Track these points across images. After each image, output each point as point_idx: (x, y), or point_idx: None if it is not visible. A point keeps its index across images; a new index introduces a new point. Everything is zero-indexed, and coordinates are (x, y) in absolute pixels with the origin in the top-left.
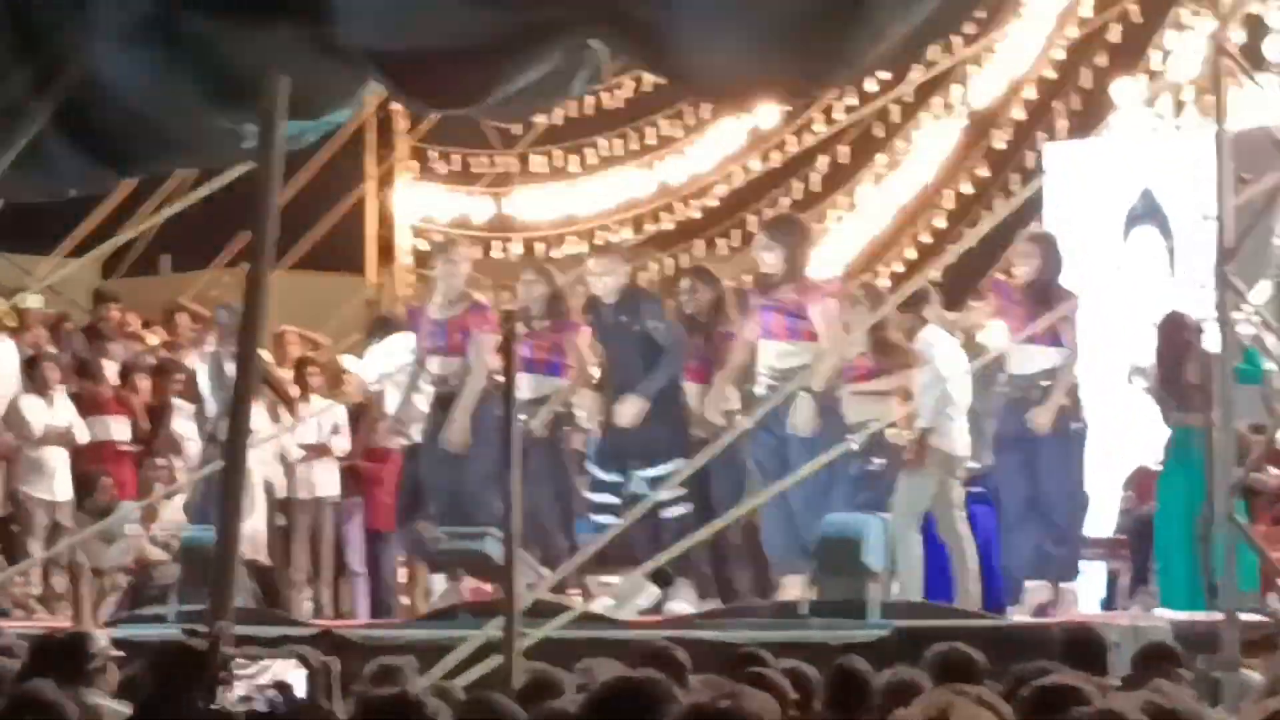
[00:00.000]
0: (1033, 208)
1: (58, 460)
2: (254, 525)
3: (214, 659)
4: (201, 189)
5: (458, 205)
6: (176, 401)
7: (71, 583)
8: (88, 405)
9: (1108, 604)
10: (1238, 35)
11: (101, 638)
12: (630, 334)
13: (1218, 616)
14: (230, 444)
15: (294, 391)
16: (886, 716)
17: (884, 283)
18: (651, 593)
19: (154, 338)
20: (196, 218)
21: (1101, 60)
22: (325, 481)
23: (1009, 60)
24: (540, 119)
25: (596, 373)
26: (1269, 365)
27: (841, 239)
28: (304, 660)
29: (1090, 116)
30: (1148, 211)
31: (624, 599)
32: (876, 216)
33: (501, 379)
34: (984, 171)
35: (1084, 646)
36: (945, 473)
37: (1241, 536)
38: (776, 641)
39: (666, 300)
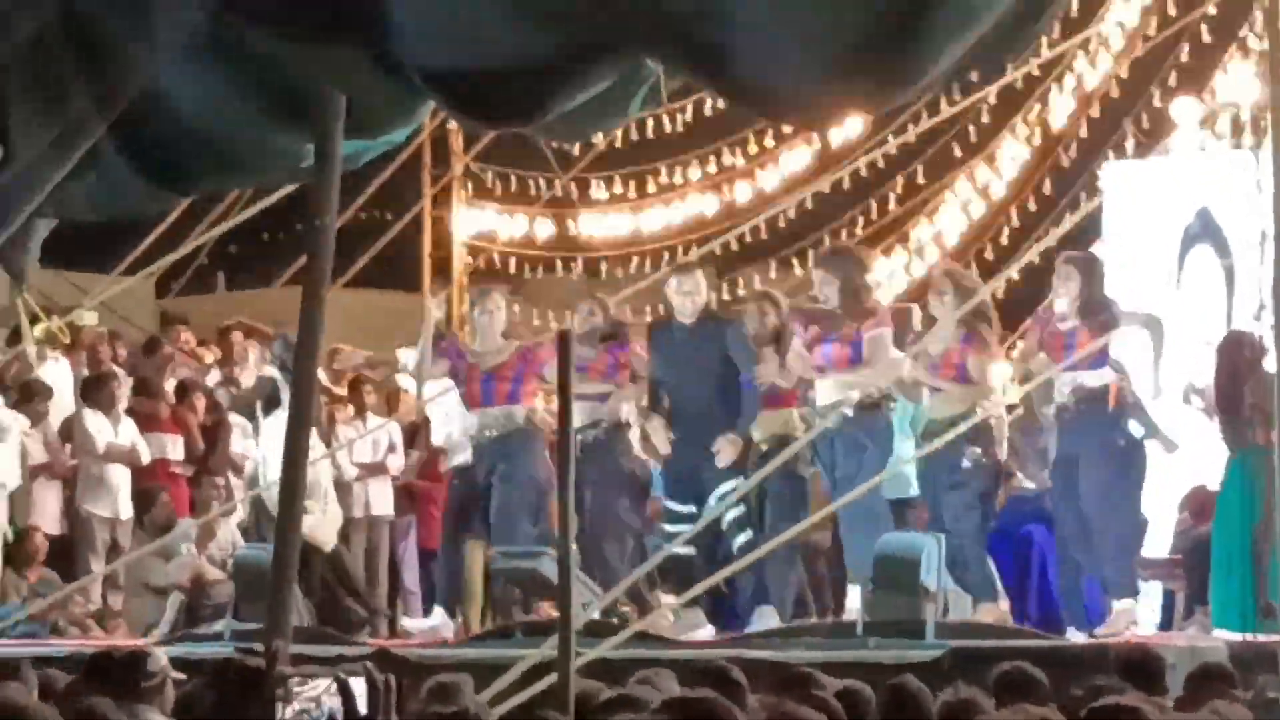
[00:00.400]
0: (1092, 227)
1: (120, 478)
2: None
3: (271, 677)
4: (255, 206)
5: (518, 225)
6: (233, 419)
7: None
8: (144, 423)
9: (1164, 625)
10: None
11: (161, 655)
12: (707, 357)
13: (1274, 637)
14: (287, 464)
15: (348, 410)
16: None
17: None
18: (708, 630)
19: (209, 356)
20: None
21: (1171, 80)
22: (380, 500)
23: (1082, 78)
24: (599, 140)
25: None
26: None
27: (919, 255)
28: (367, 672)
29: (1157, 136)
30: (1205, 231)
31: (682, 631)
32: (950, 232)
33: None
34: (1049, 189)
35: (1142, 667)
36: None
37: None
38: (832, 661)
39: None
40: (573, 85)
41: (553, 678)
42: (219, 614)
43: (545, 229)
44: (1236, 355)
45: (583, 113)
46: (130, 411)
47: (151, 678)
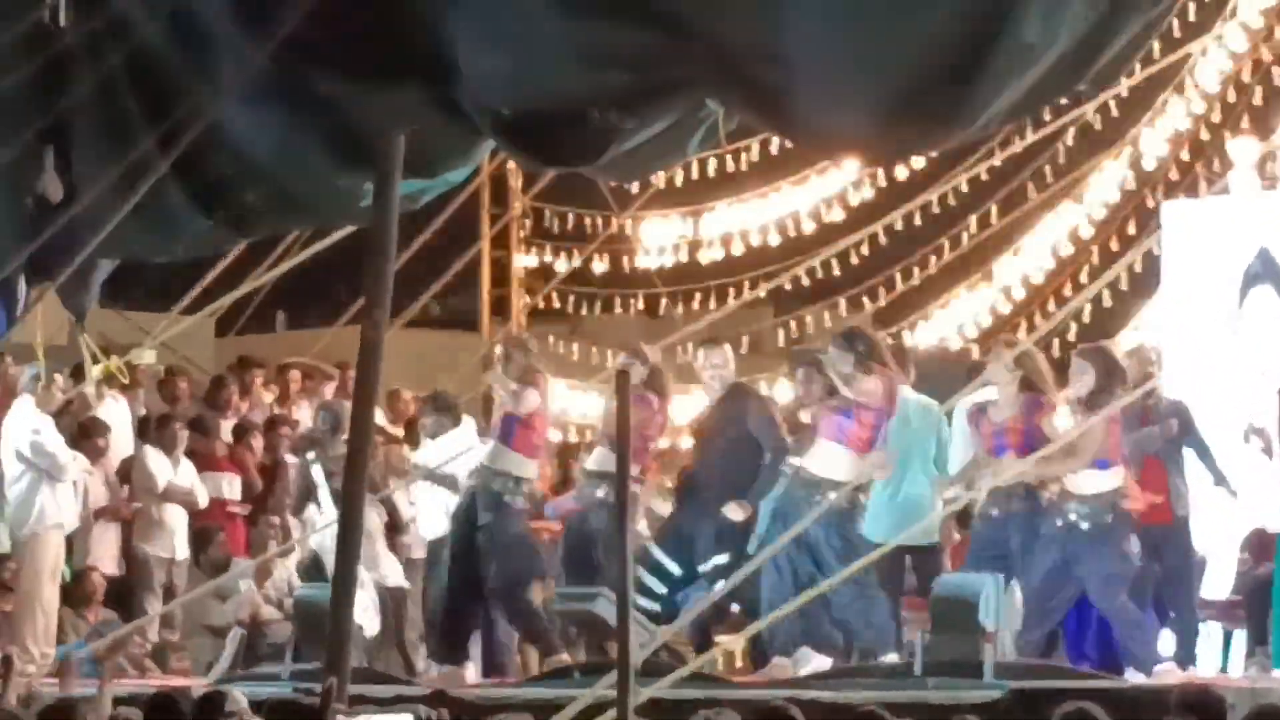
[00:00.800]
0: (1152, 268)
1: (177, 518)
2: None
3: (325, 717)
4: (315, 246)
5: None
6: (290, 459)
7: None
8: (201, 462)
9: (1224, 665)
10: None
11: (240, 696)
12: (730, 431)
13: None
14: (346, 503)
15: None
16: None
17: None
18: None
19: (268, 395)
20: (312, 274)
21: (1244, 122)
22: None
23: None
24: (657, 179)
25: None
26: None
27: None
28: (417, 716)
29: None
30: (1266, 271)
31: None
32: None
33: None
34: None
35: (1202, 707)
36: None
37: None
38: (890, 702)
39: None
40: (635, 127)
41: (611, 715)
42: (277, 654)
43: (602, 266)
44: None
45: (642, 152)
46: (188, 451)
47: (230, 717)
